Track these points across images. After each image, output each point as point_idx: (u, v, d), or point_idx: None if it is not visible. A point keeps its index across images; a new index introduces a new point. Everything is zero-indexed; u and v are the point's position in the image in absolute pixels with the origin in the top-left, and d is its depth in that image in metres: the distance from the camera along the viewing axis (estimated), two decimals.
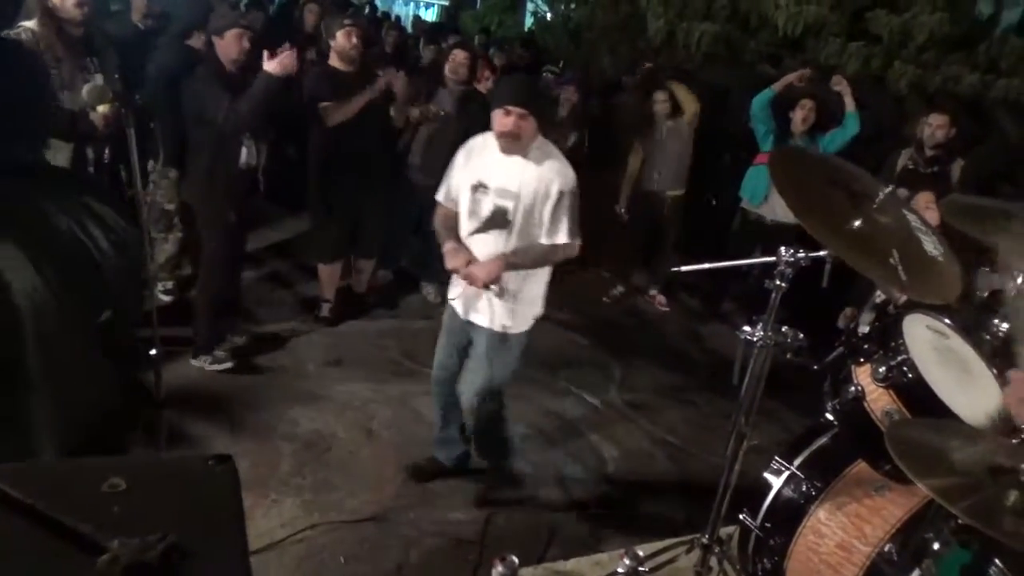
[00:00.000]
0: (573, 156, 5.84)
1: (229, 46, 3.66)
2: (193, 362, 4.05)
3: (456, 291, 3.04)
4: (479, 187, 2.87)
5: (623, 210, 5.86)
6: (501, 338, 2.98)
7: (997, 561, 1.64)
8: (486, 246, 2.89)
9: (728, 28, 7.72)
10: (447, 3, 17.25)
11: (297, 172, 5.04)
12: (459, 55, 5.02)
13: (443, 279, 5.51)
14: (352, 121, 4.29)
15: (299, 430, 3.70)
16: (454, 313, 3.11)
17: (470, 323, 3.04)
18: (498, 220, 2.83)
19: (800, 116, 5.33)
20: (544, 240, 2.85)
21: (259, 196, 4.25)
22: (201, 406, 3.73)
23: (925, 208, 2.94)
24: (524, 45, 8.50)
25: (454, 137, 4.94)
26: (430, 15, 17.37)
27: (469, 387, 3.11)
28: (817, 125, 5.46)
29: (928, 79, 7.29)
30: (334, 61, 4.37)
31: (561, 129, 5.79)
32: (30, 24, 3.17)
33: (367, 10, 11.59)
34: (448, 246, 2.91)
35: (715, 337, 5.64)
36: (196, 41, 4.31)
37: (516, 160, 2.81)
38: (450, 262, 2.88)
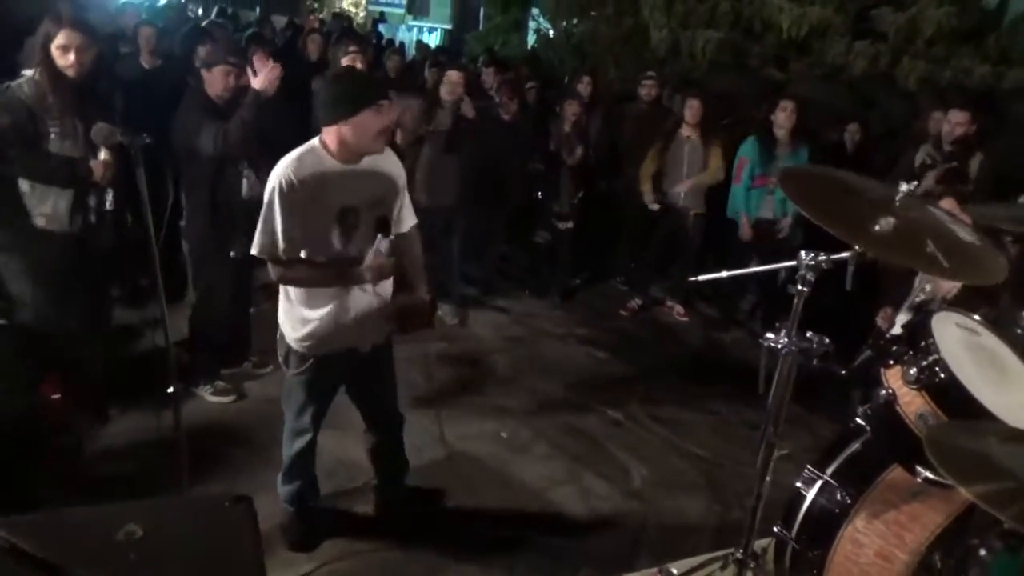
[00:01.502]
0: (581, 169, 5.92)
1: (216, 81, 3.70)
2: (193, 390, 4.03)
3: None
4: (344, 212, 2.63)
5: (655, 206, 5.74)
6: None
7: None
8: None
9: (732, 34, 7.70)
10: (450, 27, 17.46)
11: None
12: (452, 75, 5.08)
13: (459, 300, 5.62)
14: None
15: (322, 460, 3.64)
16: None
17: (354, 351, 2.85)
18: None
19: (783, 117, 5.29)
20: None
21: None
22: (222, 440, 3.71)
23: (957, 213, 2.87)
24: (527, 63, 8.53)
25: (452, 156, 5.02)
26: (433, 39, 17.56)
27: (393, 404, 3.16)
28: (802, 131, 5.44)
29: (938, 74, 7.23)
30: None
31: (565, 142, 5.79)
32: (30, 72, 3.20)
33: (373, 38, 11.75)
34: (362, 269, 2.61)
35: (736, 345, 5.57)
36: None
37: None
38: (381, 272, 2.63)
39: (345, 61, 4.38)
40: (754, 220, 5.48)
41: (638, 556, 3.14)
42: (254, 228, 4.13)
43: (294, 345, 2.74)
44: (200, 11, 11.75)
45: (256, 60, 3.71)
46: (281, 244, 2.51)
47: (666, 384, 4.85)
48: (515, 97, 5.68)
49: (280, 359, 2.85)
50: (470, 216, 5.37)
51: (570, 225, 6.02)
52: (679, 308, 5.97)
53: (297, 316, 2.69)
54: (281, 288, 2.72)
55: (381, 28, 15.65)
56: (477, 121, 5.09)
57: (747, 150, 5.47)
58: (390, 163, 2.73)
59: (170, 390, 2.38)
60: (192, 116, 3.70)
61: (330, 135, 2.52)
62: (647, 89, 6.36)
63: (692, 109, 5.58)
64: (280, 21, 11.77)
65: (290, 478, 3.09)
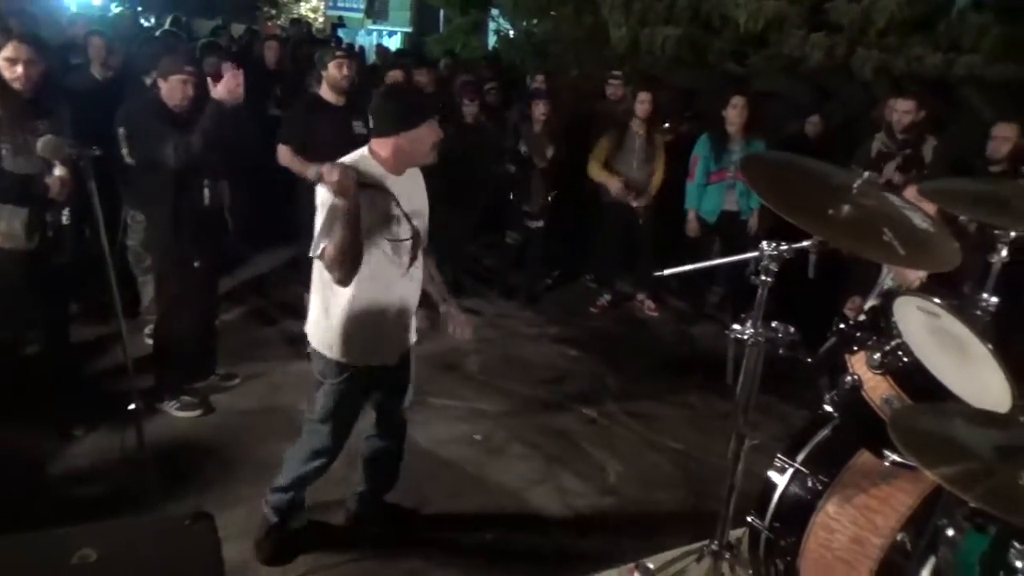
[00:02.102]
0: (553, 168, 5.92)
1: (173, 91, 3.65)
2: (158, 406, 3.96)
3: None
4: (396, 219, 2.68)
5: (618, 185, 5.69)
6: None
7: (1016, 543, 1.59)
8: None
9: (691, 30, 7.77)
10: (410, 30, 17.38)
11: (267, 206, 5.02)
12: (422, 77, 5.09)
13: (427, 302, 5.56)
14: (339, 146, 4.36)
15: None
16: None
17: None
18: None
19: (733, 114, 5.34)
20: None
21: (229, 235, 4.21)
22: (190, 457, 3.64)
23: (919, 202, 2.92)
24: (492, 63, 8.52)
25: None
26: (394, 43, 17.47)
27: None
28: (755, 125, 5.50)
29: (892, 63, 7.34)
30: (325, 92, 4.45)
31: (536, 143, 5.79)
32: None
33: (332, 43, 11.62)
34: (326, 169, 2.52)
35: (706, 337, 5.61)
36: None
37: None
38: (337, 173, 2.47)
39: (332, 65, 4.36)
40: (719, 213, 5.52)
41: (616, 552, 3.12)
42: (216, 238, 4.10)
43: (331, 355, 2.74)
44: (153, 20, 11.55)
45: (224, 70, 3.68)
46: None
47: (639, 379, 4.87)
48: (475, 99, 5.67)
49: (317, 374, 2.84)
50: (434, 218, 5.34)
51: (540, 225, 6.02)
52: (649, 303, 6.00)
53: (336, 328, 2.69)
54: (318, 301, 2.72)
55: (340, 33, 15.50)
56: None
57: (700, 147, 5.52)
58: (420, 177, 2.80)
59: (131, 407, 2.32)
60: (151, 127, 3.63)
61: (386, 146, 2.57)
62: (613, 88, 6.39)
63: (643, 104, 5.61)
64: (239, 29, 11.63)
65: (286, 491, 3.03)
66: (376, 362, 2.77)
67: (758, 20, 7.23)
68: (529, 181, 5.92)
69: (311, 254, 2.55)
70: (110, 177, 4.19)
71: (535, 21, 9.64)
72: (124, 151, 3.97)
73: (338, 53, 4.50)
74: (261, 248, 6.25)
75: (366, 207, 2.48)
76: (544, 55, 9.24)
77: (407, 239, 2.65)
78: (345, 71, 4.37)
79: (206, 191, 3.78)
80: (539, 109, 5.79)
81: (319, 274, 2.67)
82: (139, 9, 13.41)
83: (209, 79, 3.62)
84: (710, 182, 5.52)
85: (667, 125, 6.29)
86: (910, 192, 3.84)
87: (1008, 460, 1.32)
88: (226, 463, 3.62)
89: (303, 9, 21.69)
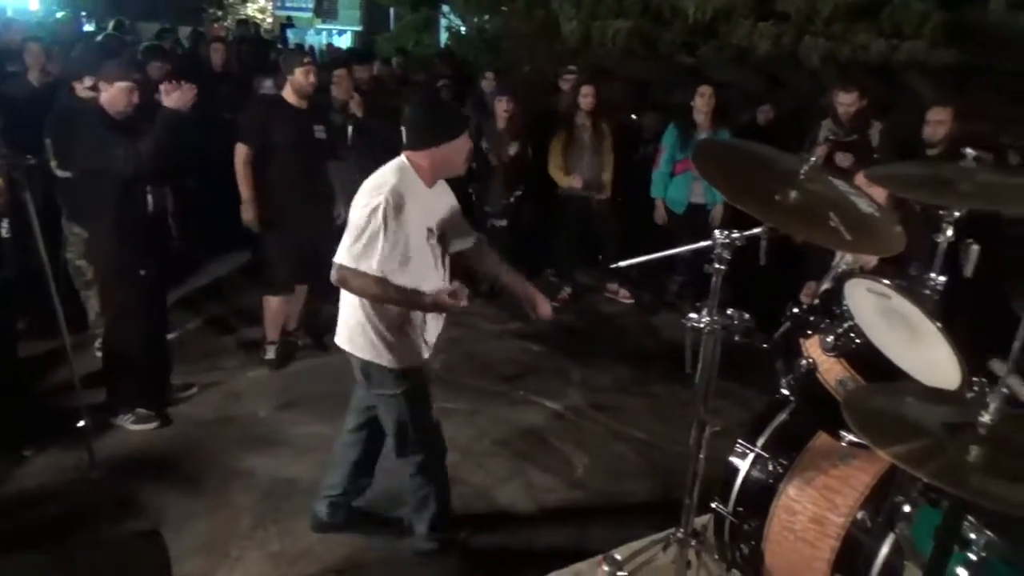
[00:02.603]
0: (516, 165, 5.90)
1: (115, 98, 3.57)
2: (113, 421, 3.86)
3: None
4: (431, 232, 2.69)
5: (577, 182, 5.71)
6: None
7: (969, 517, 1.63)
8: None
9: (641, 22, 7.80)
10: (360, 29, 17.19)
11: (214, 211, 4.93)
12: (338, 73, 5.18)
13: None
14: (300, 149, 4.41)
15: (256, 480, 3.56)
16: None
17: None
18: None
19: (701, 103, 5.39)
20: None
21: (174, 241, 4.12)
22: (148, 471, 3.55)
23: (868, 187, 2.97)
24: (444, 59, 8.46)
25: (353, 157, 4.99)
26: (344, 42, 17.27)
27: None
28: (721, 115, 5.55)
29: (838, 50, 7.47)
30: (288, 95, 4.43)
31: (499, 140, 5.77)
32: None
33: (280, 44, 11.45)
34: (439, 297, 2.59)
35: (668, 327, 5.66)
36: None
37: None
38: (452, 301, 2.60)
39: (299, 71, 4.35)
40: (686, 205, 5.56)
41: (586, 545, 3.14)
42: (161, 244, 4.01)
43: (389, 364, 2.69)
44: (94, 25, 11.24)
45: (165, 86, 3.63)
46: (383, 261, 2.49)
47: (603, 371, 4.90)
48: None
49: (378, 391, 2.77)
50: None
51: (504, 223, 6.00)
52: (623, 291, 6.04)
53: (389, 334, 2.66)
54: (368, 313, 2.64)
55: (289, 33, 15.28)
56: (370, 119, 5.10)
57: (667, 137, 5.57)
58: (446, 186, 2.83)
59: (81, 424, 2.24)
60: (93, 135, 3.53)
61: (424, 158, 2.62)
62: (569, 83, 6.40)
63: (586, 98, 5.63)
64: (186, 32, 11.36)
65: (431, 512, 3.00)
66: (427, 356, 2.80)
67: (707, 11, 7.30)
68: (490, 179, 5.90)
69: (345, 262, 2.53)
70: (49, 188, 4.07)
71: (486, 17, 9.61)
72: (53, 163, 3.85)
73: (305, 60, 4.46)
74: (214, 253, 6.14)
75: (408, 220, 2.52)
76: (496, 51, 9.21)
77: (440, 241, 2.70)
78: (311, 78, 4.39)
79: (149, 197, 3.70)
80: (502, 106, 5.77)
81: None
82: (82, 14, 13.04)
83: (161, 87, 3.59)
84: (675, 172, 5.56)
85: (634, 117, 6.34)
86: (859, 178, 3.94)
87: (957, 436, 1.35)
88: (186, 476, 3.54)
89: (250, 10, 21.30)
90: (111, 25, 9.25)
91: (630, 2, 7.80)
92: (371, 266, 2.49)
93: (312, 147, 4.51)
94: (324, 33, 18.57)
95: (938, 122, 4.60)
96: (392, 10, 13.92)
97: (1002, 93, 6.79)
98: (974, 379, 1.59)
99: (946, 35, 7.47)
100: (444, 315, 2.79)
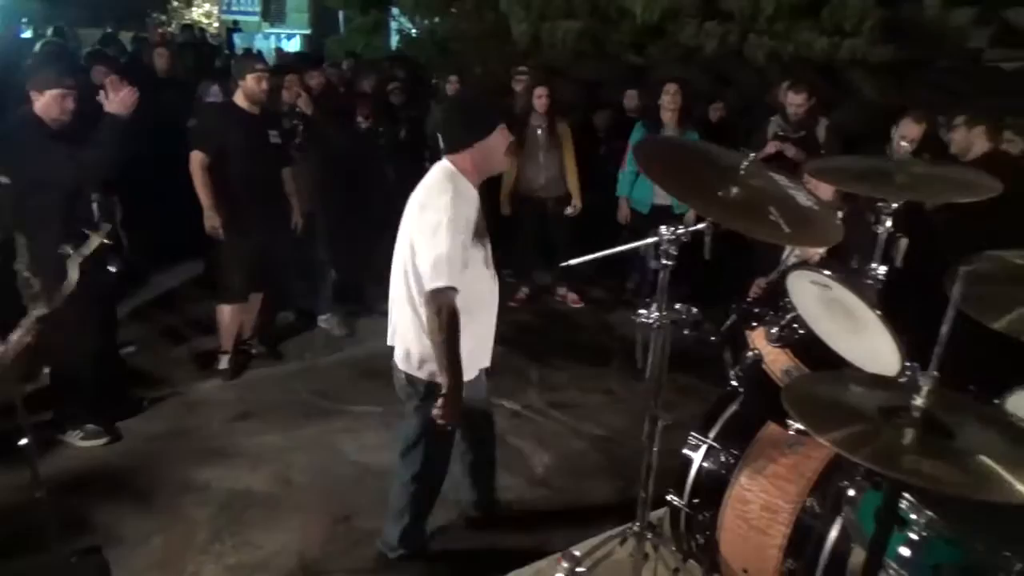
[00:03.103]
0: None
1: (48, 106, 3.49)
2: (61, 438, 3.77)
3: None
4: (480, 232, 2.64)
5: (508, 212, 5.86)
6: None
7: (907, 495, 1.69)
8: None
9: (590, 23, 7.88)
10: (309, 32, 16.97)
11: (164, 220, 4.83)
12: (313, 81, 5.10)
13: (343, 309, 5.50)
14: (254, 155, 4.37)
15: (211, 493, 3.50)
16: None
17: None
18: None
19: (667, 100, 5.45)
20: None
21: (123, 252, 4.03)
22: (98, 488, 3.47)
23: (816, 186, 3.05)
24: (397, 61, 8.40)
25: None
26: (293, 46, 17.05)
27: None
28: (687, 113, 5.62)
29: (782, 48, 7.65)
30: (240, 100, 4.38)
31: None
32: None
33: (226, 48, 11.26)
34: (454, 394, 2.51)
35: (624, 324, 5.71)
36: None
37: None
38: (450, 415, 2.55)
39: (251, 78, 4.31)
40: (650, 206, 5.61)
41: (548, 543, 3.16)
42: (110, 255, 3.90)
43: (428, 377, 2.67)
44: (32, 31, 10.92)
45: (110, 84, 3.57)
46: (454, 270, 2.43)
47: (561, 370, 4.93)
48: (369, 115, 5.63)
49: (417, 405, 2.75)
50: (331, 220, 5.27)
51: None
52: (572, 295, 6.07)
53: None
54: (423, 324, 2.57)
55: (236, 38, 15.01)
56: (320, 120, 5.07)
57: (634, 136, 5.56)
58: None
59: (23, 442, 2.18)
60: (31, 144, 3.44)
61: (465, 160, 2.58)
62: (521, 85, 6.42)
63: (540, 99, 5.65)
64: (128, 37, 11.09)
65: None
66: (484, 364, 2.84)
67: (654, 11, 7.40)
68: None
69: (442, 283, 2.40)
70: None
71: (436, 19, 9.58)
72: None
73: (258, 67, 4.42)
74: (165, 264, 6.02)
75: (470, 226, 2.50)
76: (447, 53, 9.19)
77: (489, 244, 2.70)
78: (264, 85, 4.35)
79: (95, 206, 3.62)
80: None
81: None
82: (23, 20, 12.66)
83: (101, 92, 3.53)
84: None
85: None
86: (794, 152, 4.03)
87: (892, 420, 1.40)
88: (138, 492, 3.47)
89: (195, 14, 20.93)
90: (50, 31, 9.00)
91: (578, 3, 7.86)
92: (449, 280, 2.42)
93: (266, 152, 4.49)
94: (272, 37, 18.29)
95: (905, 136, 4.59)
96: (341, 13, 13.80)
97: (938, 88, 7.01)
98: (907, 364, 1.64)
99: (884, 32, 7.69)
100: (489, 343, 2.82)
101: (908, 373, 1.64)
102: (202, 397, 4.39)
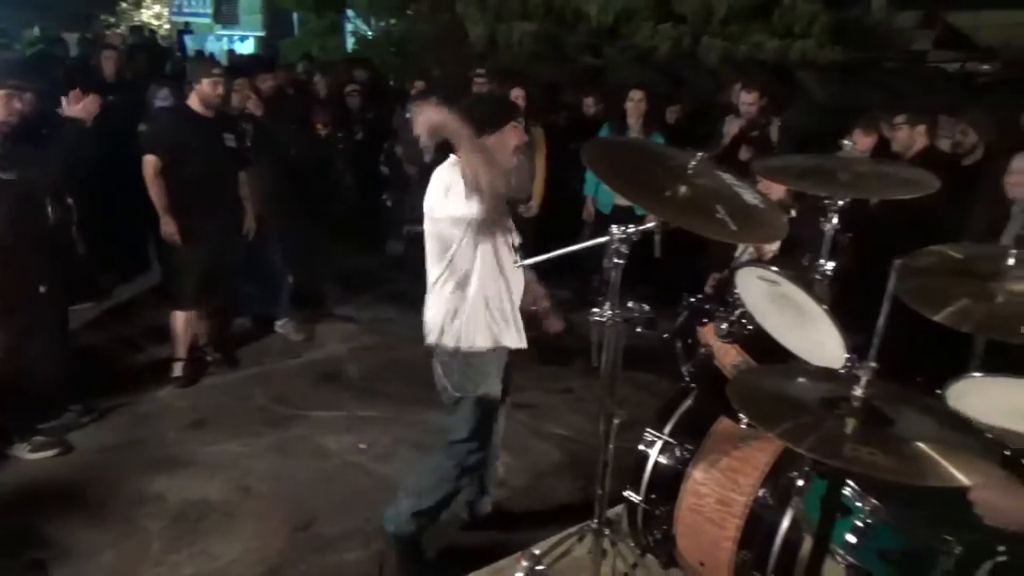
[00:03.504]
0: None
1: None
2: (7, 451, 3.68)
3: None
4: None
5: None
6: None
7: (852, 484, 1.74)
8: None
9: (546, 25, 7.93)
10: (263, 34, 16.73)
11: (114, 226, 4.74)
12: (264, 84, 5.06)
13: (301, 314, 5.44)
14: (209, 159, 4.31)
15: (167, 504, 3.44)
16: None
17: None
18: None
19: (631, 107, 5.50)
20: None
21: (79, 257, 3.95)
22: (49, 502, 3.39)
23: (769, 185, 3.12)
24: (356, 64, 8.33)
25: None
26: (246, 48, 16.79)
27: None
28: (654, 117, 5.67)
29: (735, 50, 7.80)
30: (195, 104, 4.32)
31: (414, 149, 5.73)
32: None
33: (177, 50, 11.06)
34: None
35: (586, 323, 5.73)
36: None
37: None
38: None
39: (207, 82, 4.24)
40: (611, 207, 5.64)
41: (511, 544, 3.16)
42: (64, 259, 3.84)
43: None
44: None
45: (72, 95, 3.58)
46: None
47: (522, 370, 4.90)
48: (322, 109, 5.59)
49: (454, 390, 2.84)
50: (285, 224, 5.22)
51: (421, 230, 5.96)
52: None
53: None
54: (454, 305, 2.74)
55: (187, 40, 14.74)
56: (270, 123, 5.03)
57: (601, 135, 5.62)
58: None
59: None
60: None
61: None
62: (479, 86, 6.42)
63: (516, 101, 5.65)
64: (72, 38, 10.80)
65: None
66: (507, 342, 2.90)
67: (609, 13, 7.48)
68: (408, 187, 5.86)
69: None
70: None
71: (392, 21, 9.54)
72: None
73: (215, 71, 4.37)
74: (117, 271, 5.89)
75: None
76: (404, 55, 9.16)
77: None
78: (220, 90, 4.30)
79: (49, 209, 3.54)
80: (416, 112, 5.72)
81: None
82: None
83: (63, 98, 3.54)
84: None
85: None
86: (744, 153, 4.12)
87: (833, 410, 1.44)
88: (91, 504, 3.39)
89: (145, 16, 20.48)
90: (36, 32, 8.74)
91: (534, 5, 7.91)
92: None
93: (222, 156, 4.43)
94: (225, 39, 17.99)
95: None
96: (295, 15, 13.66)
97: (884, 88, 7.21)
98: (846, 356, 1.69)
99: (833, 34, 7.89)
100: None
101: (848, 365, 1.68)
102: (156, 406, 4.30)
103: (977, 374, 2.14)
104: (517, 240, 2.83)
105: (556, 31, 8.00)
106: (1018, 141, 4.73)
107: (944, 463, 1.34)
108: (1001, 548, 1.74)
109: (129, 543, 3.15)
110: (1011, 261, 1.87)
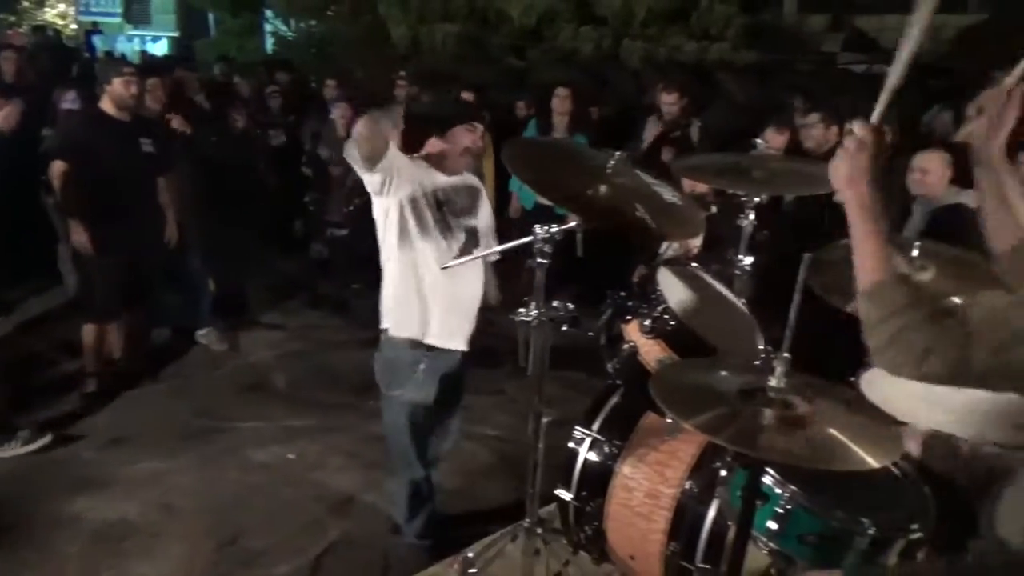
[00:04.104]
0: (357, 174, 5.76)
1: None
2: None
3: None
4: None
5: None
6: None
7: (771, 472, 1.80)
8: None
9: (469, 27, 7.94)
10: (177, 34, 16.19)
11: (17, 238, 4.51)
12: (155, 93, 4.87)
13: (222, 323, 5.27)
14: (125, 165, 4.15)
15: (85, 525, 3.28)
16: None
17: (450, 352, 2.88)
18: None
19: (556, 104, 5.54)
20: None
21: None
22: None
23: (694, 185, 3.19)
24: (278, 65, 8.13)
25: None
26: (160, 48, 16.20)
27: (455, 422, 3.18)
28: (579, 116, 5.72)
29: (655, 52, 7.98)
30: (107, 106, 4.13)
31: (340, 148, 5.63)
32: None
33: (85, 51, 10.59)
34: None
35: (511, 324, 5.77)
36: None
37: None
38: None
39: (118, 82, 4.06)
40: (533, 204, 5.66)
41: (445, 547, 3.14)
42: None
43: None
44: None
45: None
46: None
47: None
48: (241, 108, 5.44)
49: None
50: (205, 230, 5.07)
51: (344, 233, 5.87)
52: None
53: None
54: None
55: (96, 40, 14.10)
56: (182, 131, 4.91)
57: (527, 133, 5.62)
58: (473, 177, 2.90)
59: None
60: None
61: (432, 147, 2.70)
62: (401, 89, 6.36)
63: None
64: None
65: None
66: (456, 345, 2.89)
67: (531, 15, 7.54)
68: (330, 188, 5.76)
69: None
70: None
71: (313, 22, 9.38)
72: None
73: (126, 70, 4.18)
74: (32, 288, 5.59)
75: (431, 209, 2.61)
76: (325, 56, 9.01)
77: (462, 235, 2.74)
78: (133, 90, 4.12)
79: None
80: (339, 113, 5.64)
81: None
82: None
83: None
84: None
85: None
86: (666, 154, 4.23)
87: (750, 401, 1.48)
88: (1, 530, 3.20)
89: (49, 15, 19.51)
90: None
91: (456, 7, 7.91)
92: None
93: (138, 161, 4.25)
94: (136, 39, 17.30)
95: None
96: (211, 15, 13.26)
97: (797, 89, 7.48)
98: (761, 348, 1.74)
99: (748, 37, 8.15)
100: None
101: (763, 356, 1.74)
102: (70, 424, 4.10)
103: None
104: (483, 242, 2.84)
105: (479, 33, 8.02)
106: (920, 139, 5.00)
107: (855, 448, 1.40)
108: (914, 526, 1.83)
109: (45, 568, 3.01)
110: (915, 252, 1.98)
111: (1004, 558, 1.50)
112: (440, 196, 2.69)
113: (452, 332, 2.81)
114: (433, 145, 2.70)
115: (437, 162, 2.71)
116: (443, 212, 2.69)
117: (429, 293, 2.72)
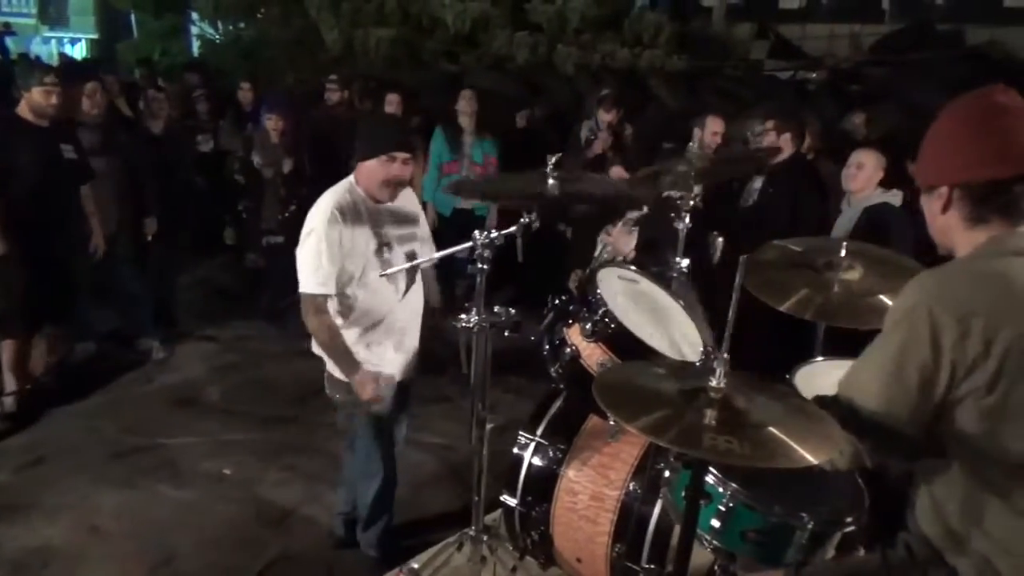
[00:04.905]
0: (292, 180, 5.63)
1: None
2: None
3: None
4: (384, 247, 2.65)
5: None
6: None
7: (713, 471, 1.83)
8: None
9: (403, 31, 7.88)
10: (97, 36, 15.57)
11: None
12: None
13: (157, 335, 5.09)
14: (44, 172, 3.98)
15: (3, 554, 3.10)
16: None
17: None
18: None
19: (464, 105, 5.53)
20: None
21: None
22: None
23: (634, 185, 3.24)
24: (192, 69, 7.89)
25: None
26: (79, 51, 15.57)
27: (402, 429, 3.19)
28: (485, 119, 5.72)
29: (589, 58, 8.07)
30: (25, 112, 3.96)
31: (274, 156, 5.50)
32: None
33: None
34: (362, 380, 2.60)
35: (452, 330, 5.73)
36: None
37: None
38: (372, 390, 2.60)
39: (37, 91, 3.88)
40: (452, 209, 5.64)
41: (390, 557, 3.09)
42: None
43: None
44: None
45: None
46: (326, 281, 2.50)
47: None
48: (162, 109, 5.27)
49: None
50: (134, 239, 4.89)
51: (280, 240, 5.72)
52: None
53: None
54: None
55: (8, 42, 13.43)
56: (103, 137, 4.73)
57: (434, 141, 5.62)
58: (412, 202, 2.84)
59: None
60: None
61: (359, 172, 2.60)
62: (331, 92, 6.26)
63: (392, 105, 5.57)
64: None
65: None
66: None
67: (465, 21, 7.54)
68: (264, 195, 5.61)
69: (308, 290, 2.54)
70: None
71: (242, 25, 9.15)
72: None
73: (47, 80, 3.96)
74: None
75: (349, 236, 2.51)
76: (253, 60, 8.80)
77: (400, 265, 2.65)
78: (54, 100, 3.96)
79: None
80: (271, 124, 5.50)
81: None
82: None
83: None
84: (443, 174, 5.61)
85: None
86: (616, 171, 4.28)
87: (692, 402, 1.50)
88: None
89: None
90: None
91: (389, 11, 7.84)
92: (314, 287, 2.51)
93: (60, 169, 4.08)
94: (53, 41, 16.57)
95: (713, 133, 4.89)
96: (133, 16, 12.80)
97: (726, 95, 7.70)
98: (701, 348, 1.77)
99: (678, 44, 8.33)
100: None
101: (703, 357, 1.77)
102: None
103: (820, 359, 2.33)
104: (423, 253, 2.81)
105: (413, 37, 7.97)
106: (840, 141, 5.18)
107: (793, 445, 1.42)
108: (849, 519, 1.89)
109: None
110: (843, 253, 2.04)
111: (929, 552, 1.55)
112: (383, 239, 2.65)
113: (382, 359, 2.79)
114: (362, 170, 2.59)
115: (364, 187, 2.61)
116: (382, 253, 2.64)
117: (376, 334, 2.76)
